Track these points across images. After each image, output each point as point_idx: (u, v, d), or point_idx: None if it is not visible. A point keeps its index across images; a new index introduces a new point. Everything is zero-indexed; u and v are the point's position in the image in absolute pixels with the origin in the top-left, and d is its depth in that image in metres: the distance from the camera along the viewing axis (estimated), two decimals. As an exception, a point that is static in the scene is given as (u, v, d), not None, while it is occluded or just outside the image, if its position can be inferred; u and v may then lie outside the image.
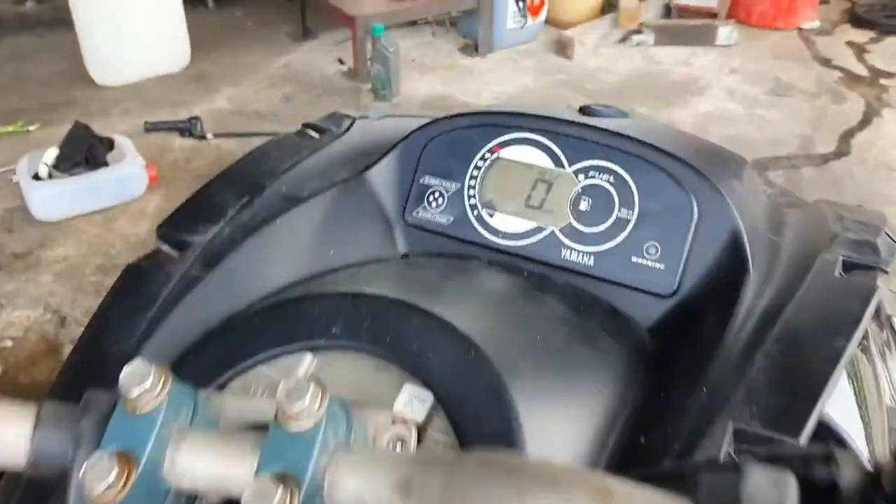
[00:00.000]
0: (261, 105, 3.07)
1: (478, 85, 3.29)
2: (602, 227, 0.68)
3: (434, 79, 3.32)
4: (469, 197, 0.73)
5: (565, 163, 0.70)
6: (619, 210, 0.67)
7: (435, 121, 0.75)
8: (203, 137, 2.78)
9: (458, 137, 0.74)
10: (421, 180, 0.74)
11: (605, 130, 0.70)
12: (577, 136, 0.70)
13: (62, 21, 3.25)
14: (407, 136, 0.75)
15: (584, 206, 0.69)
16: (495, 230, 0.71)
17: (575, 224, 0.69)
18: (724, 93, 3.21)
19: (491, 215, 0.72)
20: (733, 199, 0.65)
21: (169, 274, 0.64)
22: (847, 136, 2.88)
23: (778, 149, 2.78)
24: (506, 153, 0.72)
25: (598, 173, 0.69)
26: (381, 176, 0.75)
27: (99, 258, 2.21)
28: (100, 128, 2.54)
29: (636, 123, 0.77)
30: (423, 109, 3.06)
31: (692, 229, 0.65)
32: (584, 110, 0.79)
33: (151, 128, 2.81)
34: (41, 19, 3.81)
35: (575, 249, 0.68)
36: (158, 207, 2.44)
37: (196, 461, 0.37)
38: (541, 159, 0.71)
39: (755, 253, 0.63)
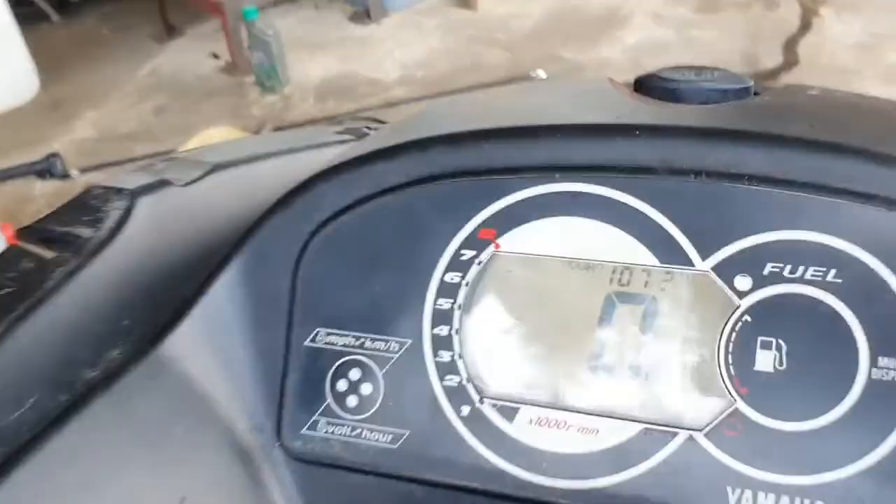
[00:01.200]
0: (131, 124, 2.63)
1: (378, 56, 2.90)
2: (835, 416, 0.26)
3: (327, 57, 2.91)
4: (441, 373, 0.29)
5: (689, 249, 0.27)
6: (875, 361, 0.25)
7: (318, 176, 0.31)
8: (66, 176, 2.33)
9: (384, 216, 0.30)
10: (308, 340, 0.31)
11: (767, 137, 0.28)
12: (697, 167, 0.28)
13: None
14: (254, 229, 0.31)
15: (764, 360, 0.26)
16: (526, 452, 0.28)
17: (752, 414, 0.26)
18: (650, 18, 2.90)
19: (512, 416, 0.28)
20: None
21: None
22: (791, 44, 2.61)
23: (723, 71, 2.49)
24: (513, 242, 0.29)
25: (787, 264, 0.26)
26: (199, 345, 0.30)
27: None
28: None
29: (791, 97, 0.34)
30: (320, 96, 2.67)
31: None
32: (643, 86, 0.33)
33: (3, 176, 2.34)
34: None
35: (763, 484, 0.26)
36: (23, 274, 2.01)
37: None
38: (613, 246, 0.28)
39: None
